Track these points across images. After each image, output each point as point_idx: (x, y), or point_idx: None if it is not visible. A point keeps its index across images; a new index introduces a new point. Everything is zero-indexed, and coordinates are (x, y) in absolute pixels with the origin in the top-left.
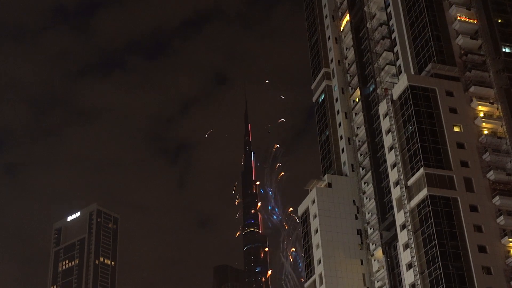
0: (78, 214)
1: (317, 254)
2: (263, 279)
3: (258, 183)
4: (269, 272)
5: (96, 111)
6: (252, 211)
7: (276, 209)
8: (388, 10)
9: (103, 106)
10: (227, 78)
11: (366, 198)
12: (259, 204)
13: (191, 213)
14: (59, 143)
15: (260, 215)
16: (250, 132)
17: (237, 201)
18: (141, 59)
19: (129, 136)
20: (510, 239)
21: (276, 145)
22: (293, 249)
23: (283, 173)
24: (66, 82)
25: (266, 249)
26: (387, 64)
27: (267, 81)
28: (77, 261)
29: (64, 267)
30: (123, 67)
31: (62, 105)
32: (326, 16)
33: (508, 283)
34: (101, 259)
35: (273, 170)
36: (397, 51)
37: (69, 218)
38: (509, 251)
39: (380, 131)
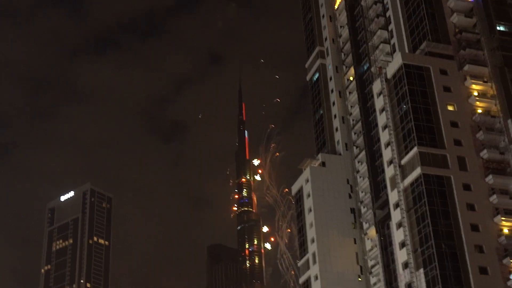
0: (71, 193)
1: (311, 233)
2: (257, 258)
3: (257, 162)
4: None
5: (90, 90)
6: (246, 191)
7: (271, 189)
8: None
9: (97, 85)
10: (222, 58)
11: (360, 177)
12: (254, 180)
13: (185, 192)
14: (53, 123)
15: (254, 195)
16: (244, 111)
17: (231, 182)
18: (135, 38)
19: (123, 116)
20: (503, 218)
21: (271, 125)
22: (289, 230)
23: (278, 153)
24: (60, 62)
25: (265, 228)
26: (382, 42)
27: (262, 60)
28: (71, 241)
29: (57, 246)
30: (117, 47)
31: (56, 85)
32: None
33: (500, 261)
34: (95, 238)
35: (268, 150)
36: (392, 29)
37: (63, 198)
38: (501, 230)
39: (374, 110)
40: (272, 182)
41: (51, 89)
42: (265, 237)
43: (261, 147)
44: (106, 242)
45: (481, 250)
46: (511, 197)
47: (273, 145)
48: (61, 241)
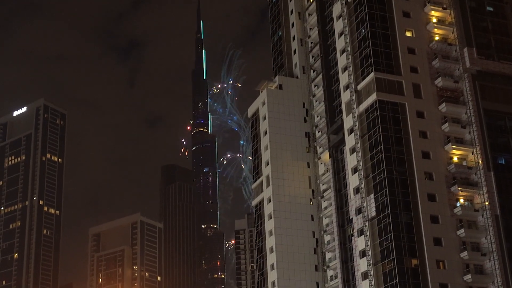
0: (24, 109)
1: (265, 156)
2: (210, 179)
3: (217, 89)
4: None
5: (45, 4)
6: (202, 111)
7: (234, 114)
8: None
9: None
10: None
11: (316, 101)
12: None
13: (141, 111)
14: (6, 36)
15: (210, 115)
16: (202, 30)
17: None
18: None
19: (79, 31)
20: (453, 146)
21: (232, 49)
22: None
23: (238, 84)
24: None
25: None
26: None
27: None
28: (24, 157)
29: (10, 163)
30: None
31: None
32: None
33: (449, 188)
34: (48, 155)
35: (230, 73)
36: None
37: (15, 113)
38: (451, 158)
39: (333, 33)
40: (234, 106)
41: (5, 1)
42: (221, 159)
43: (223, 70)
44: (60, 160)
45: (431, 177)
46: (463, 125)
47: (234, 67)
48: (13, 157)
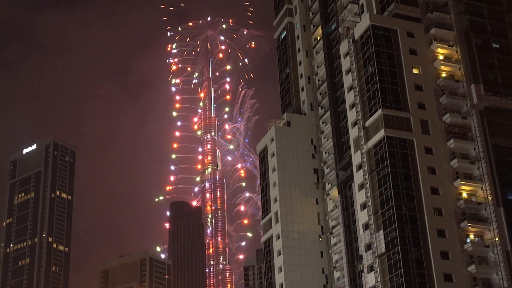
0: (34, 146)
1: (274, 192)
2: (220, 216)
3: (230, 128)
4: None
5: (57, 45)
6: (211, 148)
7: (250, 154)
8: None
9: (65, 40)
10: (189, 15)
11: (324, 137)
12: (216, 140)
13: (150, 149)
14: (18, 76)
15: (219, 153)
16: (210, 68)
17: (200, 136)
18: None
19: (90, 71)
20: (462, 182)
21: (243, 90)
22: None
23: (249, 124)
24: (27, 15)
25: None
26: (350, 2)
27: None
28: (33, 194)
29: (19, 200)
30: (85, 1)
31: (22, 38)
32: None
33: (458, 224)
34: (58, 192)
35: (242, 114)
36: None
37: (25, 151)
38: (460, 194)
39: (340, 71)
40: (247, 146)
41: (18, 42)
42: (236, 198)
43: (235, 110)
44: (69, 197)
45: (440, 213)
46: (471, 161)
47: (249, 110)
48: (23, 194)
